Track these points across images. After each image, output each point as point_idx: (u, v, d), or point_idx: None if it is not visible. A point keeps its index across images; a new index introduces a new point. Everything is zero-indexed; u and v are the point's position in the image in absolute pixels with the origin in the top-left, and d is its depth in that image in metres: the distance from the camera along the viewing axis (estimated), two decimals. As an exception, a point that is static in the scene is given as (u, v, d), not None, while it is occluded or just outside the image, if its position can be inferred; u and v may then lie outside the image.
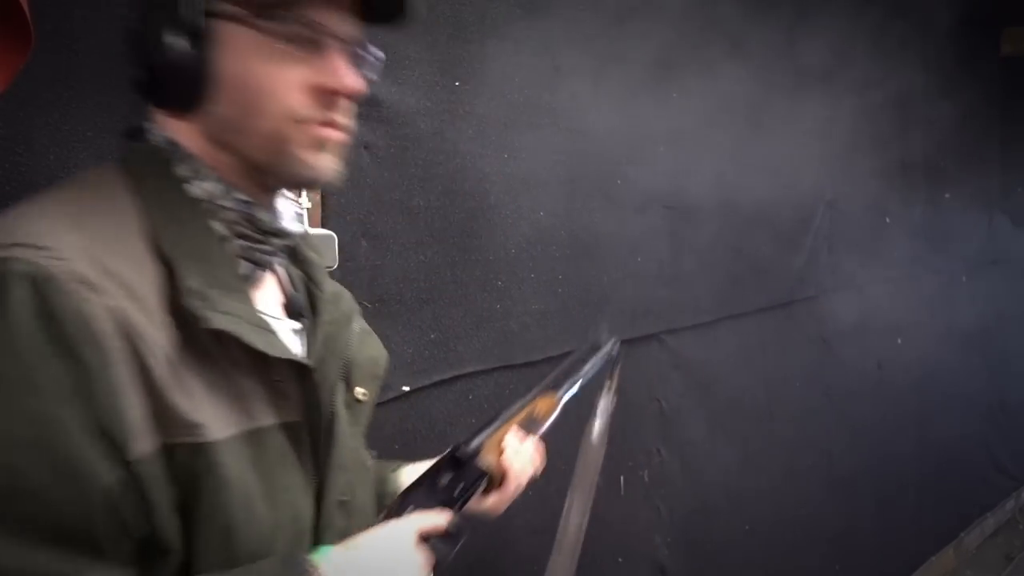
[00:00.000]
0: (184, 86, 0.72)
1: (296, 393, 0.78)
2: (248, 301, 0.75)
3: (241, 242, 0.78)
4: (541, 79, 1.89)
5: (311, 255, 0.92)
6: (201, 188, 0.75)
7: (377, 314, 1.55)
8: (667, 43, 2.26)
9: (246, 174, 0.77)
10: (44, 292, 0.62)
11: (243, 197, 0.77)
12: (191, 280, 0.70)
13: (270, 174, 0.77)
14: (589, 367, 1.17)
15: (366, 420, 0.92)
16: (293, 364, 0.77)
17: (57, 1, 1.10)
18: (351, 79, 0.75)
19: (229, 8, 0.72)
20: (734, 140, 2.58)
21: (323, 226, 1.45)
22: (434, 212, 1.65)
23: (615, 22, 2.08)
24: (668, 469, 2.36)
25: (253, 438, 0.73)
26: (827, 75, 3.00)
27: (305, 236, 0.93)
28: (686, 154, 2.38)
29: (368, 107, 1.51)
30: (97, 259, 0.66)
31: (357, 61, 0.78)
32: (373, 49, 0.81)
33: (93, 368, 0.63)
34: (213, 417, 0.70)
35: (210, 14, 0.71)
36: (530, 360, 1.89)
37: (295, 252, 0.90)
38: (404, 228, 1.60)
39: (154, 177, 0.75)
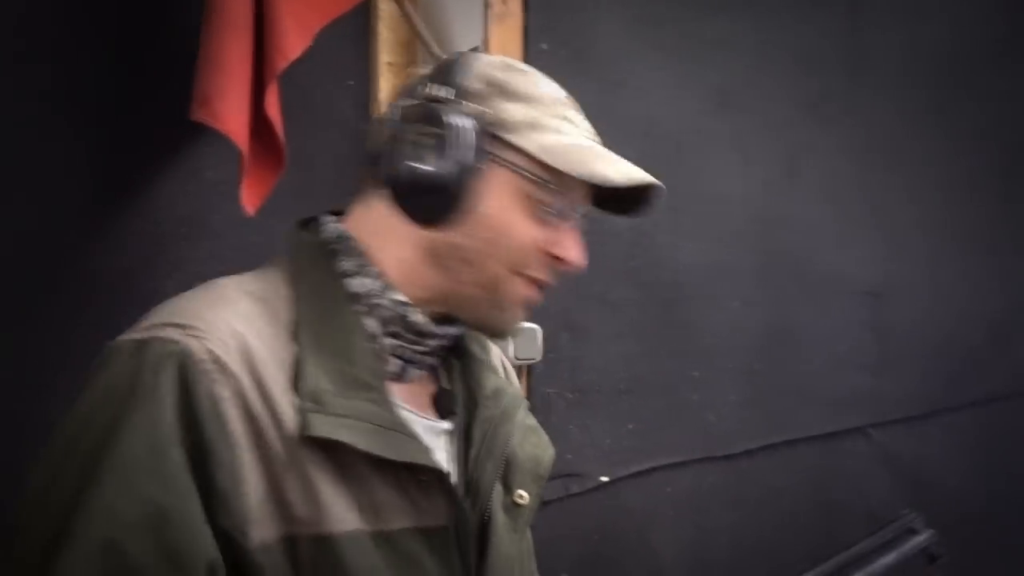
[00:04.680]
0: (442, 204, 0.74)
1: (440, 496, 0.74)
2: (382, 402, 0.73)
3: (393, 340, 0.77)
4: (733, 170, 1.90)
5: (475, 350, 0.89)
6: (360, 284, 0.76)
7: (577, 404, 1.58)
8: (862, 126, 2.22)
9: (434, 293, 0.78)
10: (186, 372, 0.64)
11: (400, 298, 0.77)
12: (311, 379, 0.70)
13: (464, 309, 0.79)
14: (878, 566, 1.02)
15: (526, 527, 0.86)
16: (431, 467, 0.73)
17: (298, 124, 1.25)
18: (580, 256, 0.80)
19: (511, 157, 0.75)
20: (940, 220, 2.45)
21: (528, 320, 1.51)
22: (632, 304, 1.68)
23: (807, 109, 2.07)
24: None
25: (381, 540, 0.70)
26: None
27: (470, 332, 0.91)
28: (888, 238, 2.28)
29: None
30: (240, 341, 0.68)
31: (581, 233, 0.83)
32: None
33: (218, 452, 0.64)
34: (336, 508, 0.68)
35: (487, 152, 0.75)
36: (729, 452, 1.86)
37: (457, 347, 0.88)
38: (603, 320, 1.63)
39: (314, 269, 0.77)
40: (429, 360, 0.82)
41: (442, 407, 0.83)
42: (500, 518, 0.81)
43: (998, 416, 2.60)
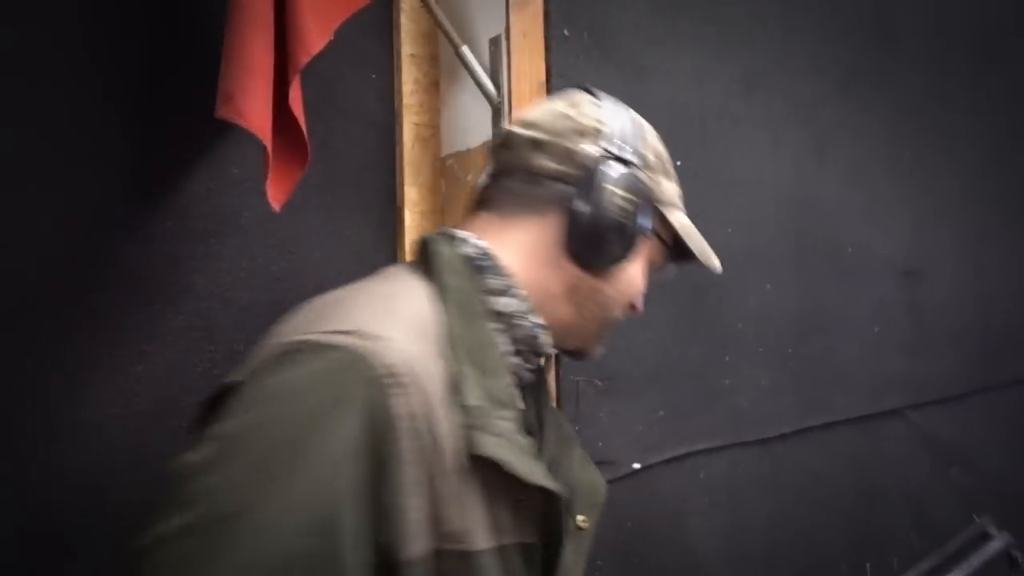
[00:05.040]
0: (611, 257, 0.83)
1: (536, 514, 0.76)
2: (515, 420, 0.75)
3: (517, 359, 0.81)
4: (762, 152, 1.88)
5: (547, 375, 0.94)
6: (507, 303, 0.79)
7: (607, 391, 1.58)
8: (892, 103, 2.18)
9: (554, 320, 0.84)
10: (369, 384, 0.64)
11: (540, 321, 0.81)
12: (473, 396, 0.71)
13: (570, 338, 0.87)
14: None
15: (587, 552, 0.88)
16: (554, 492, 0.75)
17: (321, 118, 1.26)
18: (643, 308, 0.92)
19: (660, 228, 0.88)
20: (974, 197, 2.40)
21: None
22: (660, 289, 1.67)
23: (836, 88, 2.04)
24: (921, 556, 2.16)
25: (498, 554, 0.72)
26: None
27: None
28: (921, 217, 2.24)
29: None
30: (408, 356, 0.67)
31: None
32: None
33: (389, 467, 0.64)
34: (478, 526, 0.70)
35: (651, 221, 0.86)
36: (763, 437, 1.84)
37: (538, 370, 0.91)
38: (631, 306, 1.62)
39: (459, 283, 0.78)
40: (529, 378, 0.86)
41: (524, 428, 0.86)
42: (568, 540, 0.84)
43: (1040, 395, 2.56)
